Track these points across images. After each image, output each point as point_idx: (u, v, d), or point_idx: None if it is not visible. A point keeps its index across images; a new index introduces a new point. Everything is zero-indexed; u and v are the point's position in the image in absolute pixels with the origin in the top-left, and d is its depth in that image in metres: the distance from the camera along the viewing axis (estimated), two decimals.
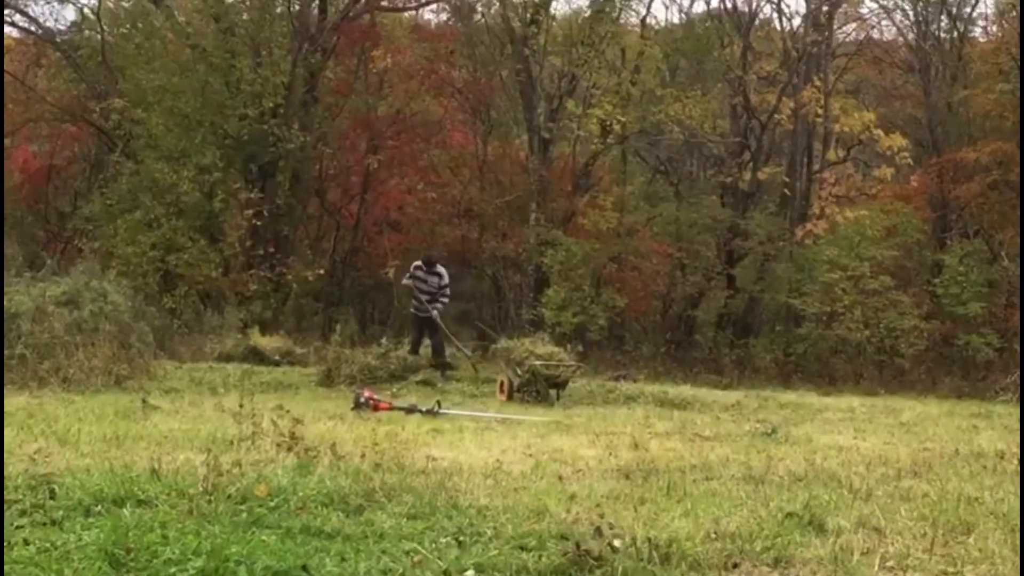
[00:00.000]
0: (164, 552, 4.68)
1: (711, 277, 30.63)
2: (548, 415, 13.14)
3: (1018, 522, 6.20)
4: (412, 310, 19.15)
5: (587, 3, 31.00)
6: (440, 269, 18.96)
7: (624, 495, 6.93)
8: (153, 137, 27.27)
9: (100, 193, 29.43)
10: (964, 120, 30.17)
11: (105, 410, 10.82)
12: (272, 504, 5.81)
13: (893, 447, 10.33)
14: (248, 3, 29.52)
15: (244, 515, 5.54)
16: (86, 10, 32.81)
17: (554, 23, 31.41)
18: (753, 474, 8.03)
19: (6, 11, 28.29)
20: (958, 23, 32.02)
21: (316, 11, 29.62)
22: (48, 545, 4.83)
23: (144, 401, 11.21)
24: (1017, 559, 5.37)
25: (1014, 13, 28.67)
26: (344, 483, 6.49)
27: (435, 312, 18.49)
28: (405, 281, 19.26)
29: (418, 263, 18.98)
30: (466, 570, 4.83)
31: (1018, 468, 8.55)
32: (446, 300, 18.90)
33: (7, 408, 9.91)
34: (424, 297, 18.55)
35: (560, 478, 7.64)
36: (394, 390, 15.37)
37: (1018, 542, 5.70)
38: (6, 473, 6.11)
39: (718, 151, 32.26)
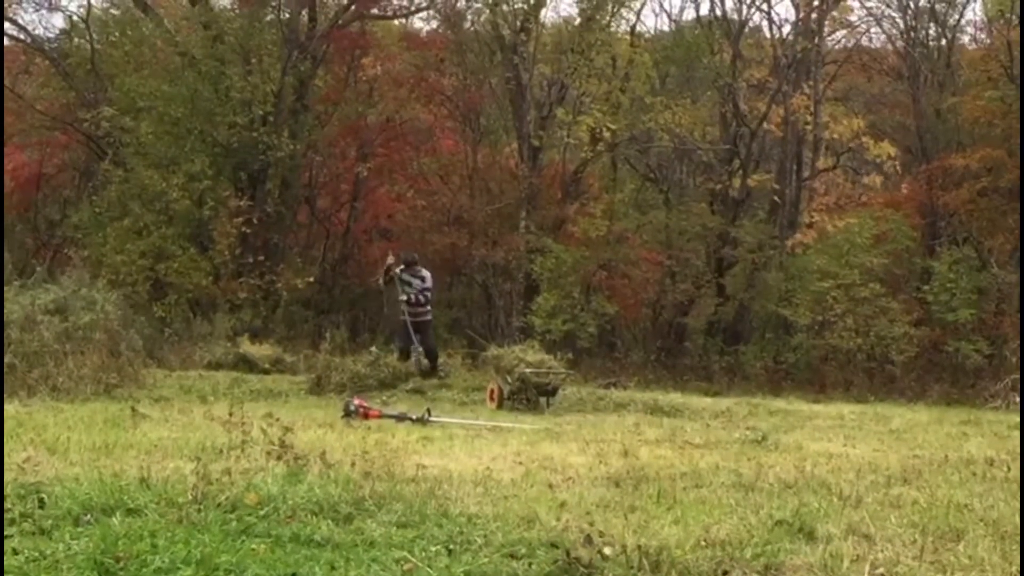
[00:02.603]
0: (154, 561, 4.68)
1: (701, 285, 30.61)
2: (538, 423, 13.13)
3: (1008, 528, 6.22)
4: (402, 316, 18.98)
5: (577, 11, 31.06)
6: (423, 272, 18.94)
7: (614, 503, 6.94)
8: (142, 145, 27.23)
9: (89, 201, 29.39)
10: (953, 127, 30.19)
11: (94, 419, 10.79)
12: (262, 512, 5.80)
13: (883, 454, 10.35)
14: (238, 11, 29.55)
15: (234, 523, 5.54)
16: (75, 18, 32.85)
17: (544, 31, 31.44)
18: (743, 481, 8.03)
19: None
20: (946, 31, 32.10)
21: (306, 19, 29.63)
22: (37, 554, 4.82)
23: (133, 409, 11.16)
24: (1007, 566, 5.38)
25: (1002, 20, 28.76)
26: (334, 491, 6.48)
27: (403, 299, 18.56)
28: (386, 278, 19.19)
29: (401, 266, 18.97)
30: None
31: (1008, 475, 8.57)
32: (422, 299, 18.74)
33: None
34: (407, 299, 18.55)
35: (550, 486, 7.64)
36: (384, 398, 15.34)
37: (1008, 549, 5.71)
38: None
39: (708, 158, 32.24)
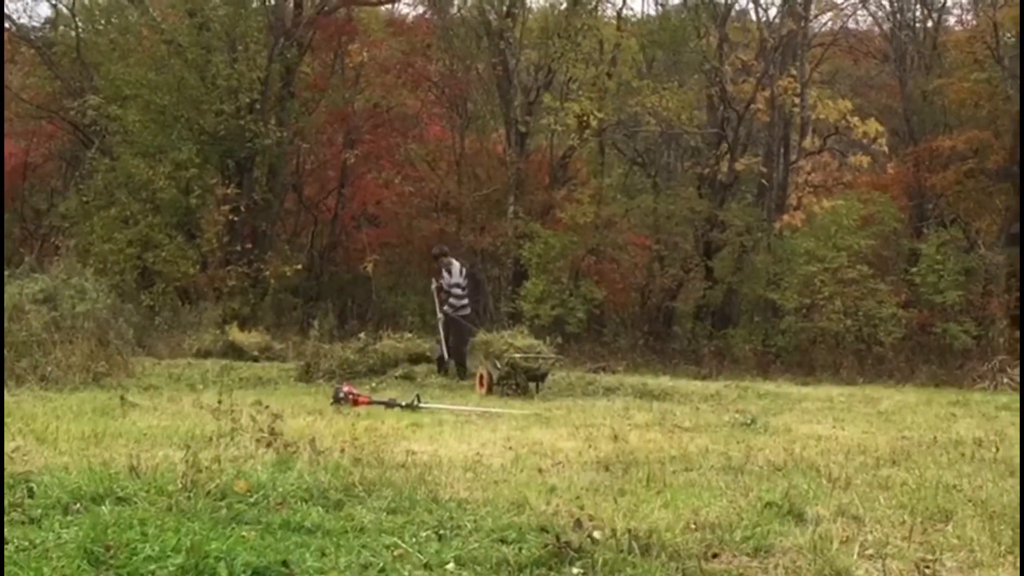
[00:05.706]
0: (143, 549, 4.66)
1: (689, 269, 30.64)
2: (527, 408, 13.11)
3: (996, 508, 6.24)
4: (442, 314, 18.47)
5: None
6: (453, 265, 18.58)
7: (604, 487, 6.94)
8: (129, 133, 27.21)
9: (76, 190, 29.33)
10: (939, 109, 30.26)
11: (83, 408, 10.77)
12: (252, 500, 5.79)
13: (871, 436, 10.37)
14: None
15: (224, 511, 5.52)
16: (60, 6, 32.74)
17: (530, 15, 31.39)
18: (732, 464, 8.04)
19: None
20: (932, 12, 32.16)
21: (292, 5, 29.55)
22: (27, 543, 4.80)
23: (122, 398, 11.15)
24: (995, 546, 5.40)
25: (988, 1, 28.79)
26: (324, 478, 6.48)
27: (440, 315, 18.30)
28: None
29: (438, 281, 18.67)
30: (446, 563, 4.83)
31: (996, 455, 8.59)
32: (454, 300, 18.31)
33: None
34: (445, 297, 18.24)
35: (540, 471, 7.64)
36: (373, 384, 15.33)
37: (996, 529, 5.73)
38: None
39: (695, 142, 32.25)
